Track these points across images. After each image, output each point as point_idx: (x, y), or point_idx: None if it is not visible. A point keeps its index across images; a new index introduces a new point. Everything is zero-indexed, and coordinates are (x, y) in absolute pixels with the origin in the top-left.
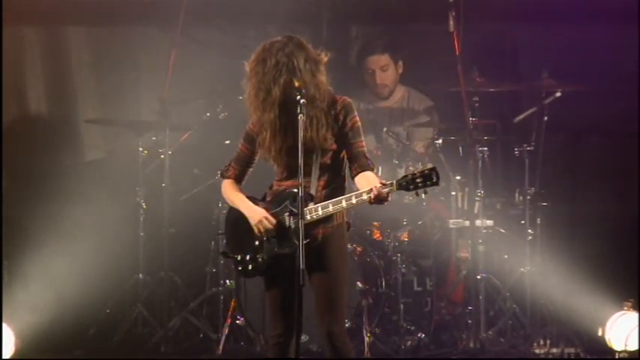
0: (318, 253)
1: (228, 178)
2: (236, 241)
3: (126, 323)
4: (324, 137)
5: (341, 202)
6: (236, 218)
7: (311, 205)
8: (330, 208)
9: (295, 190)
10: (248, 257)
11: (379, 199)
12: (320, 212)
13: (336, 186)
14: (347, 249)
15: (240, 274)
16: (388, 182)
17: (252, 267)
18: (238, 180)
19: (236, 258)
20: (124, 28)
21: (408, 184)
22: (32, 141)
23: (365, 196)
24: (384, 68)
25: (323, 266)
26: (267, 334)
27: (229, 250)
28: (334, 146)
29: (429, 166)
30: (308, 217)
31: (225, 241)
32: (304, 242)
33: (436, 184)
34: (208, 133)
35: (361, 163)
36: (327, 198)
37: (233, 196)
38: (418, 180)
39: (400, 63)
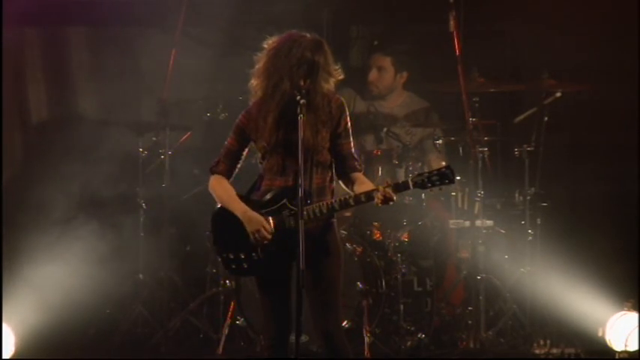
0: (312, 252)
1: (218, 173)
2: (227, 238)
3: (126, 323)
4: (321, 137)
5: (349, 202)
6: (225, 215)
7: (313, 204)
8: (336, 207)
9: (291, 188)
10: (242, 255)
11: (386, 200)
12: (324, 210)
13: (328, 183)
14: (341, 247)
15: (234, 273)
16: (402, 180)
17: (247, 265)
18: (228, 175)
19: (228, 256)
20: (124, 28)
21: (424, 182)
22: (32, 141)
23: (376, 195)
24: (380, 69)
25: (317, 265)
26: (263, 335)
27: (219, 249)
28: (327, 144)
29: (444, 164)
30: (312, 214)
31: (213, 239)
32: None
33: (452, 182)
34: (208, 134)
35: (350, 165)
36: (320, 195)
37: (225, 195)
38: (434, 178)
39: (403, 74)
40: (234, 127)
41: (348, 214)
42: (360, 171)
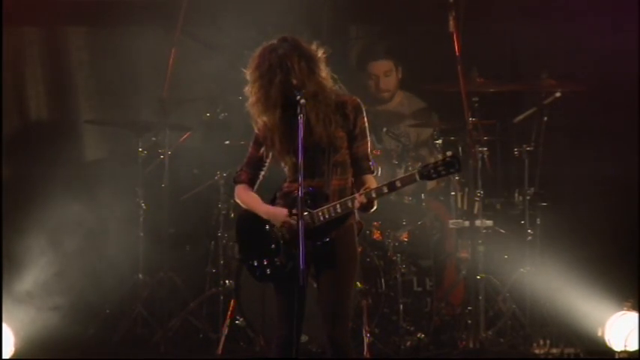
0: (329, 255)
1: (241, 182)
2: (250, 246)
3: (126, 323)
4: (335, 134)
5: (347, 202)
6: (248, 224)
7: (325, 205)
8: (339, 210)
9: (311, 190)
10: (265, 262)
11: (363, 207)
12: (339, 210)
13: (350, 184)
14: (357, 251)
15: (259, 279)
16: (408, 173)
17: (270, 271)
18: (251, 184)
19: (253, 264)
20: (124, 28)
21: (430, 173)
22: (32, 141)
23: (385, 190)
24: (387, 74)
25: (332, 268)
26: (273, 334)
27: (243, 257)
28: (346, 144)
29: (449, 153)
30: (322, 217)
31: (237, 248)
32: (319, 243)
33: (458, 170)
34: (208, 134)
35: (362, 166)
36: (341, 197)
37: (249, 200)
38: (440, 168)
39: (400, 68)
40: (254, 137)
41: None
42: (372, 173)
